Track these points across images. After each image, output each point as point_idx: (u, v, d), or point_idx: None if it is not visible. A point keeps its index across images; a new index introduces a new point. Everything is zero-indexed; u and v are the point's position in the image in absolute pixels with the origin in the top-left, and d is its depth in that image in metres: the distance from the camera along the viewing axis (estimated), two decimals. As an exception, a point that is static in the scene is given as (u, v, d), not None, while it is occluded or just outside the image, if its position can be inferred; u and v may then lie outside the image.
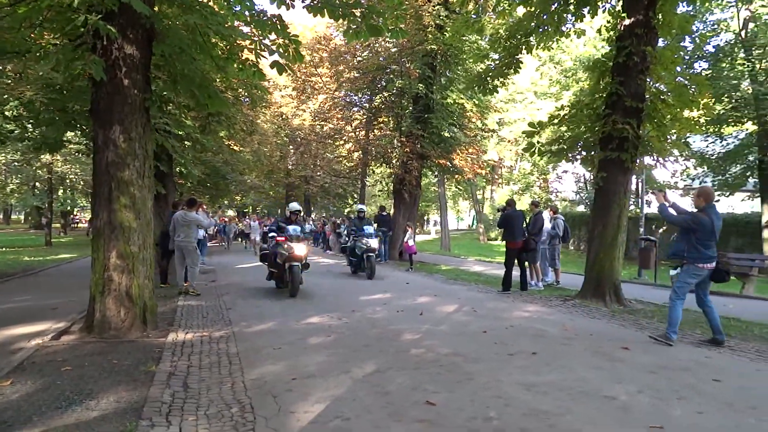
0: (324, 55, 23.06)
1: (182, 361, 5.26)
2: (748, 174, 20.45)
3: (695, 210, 6.43)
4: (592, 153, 10.09)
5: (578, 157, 10.58)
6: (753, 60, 18.79)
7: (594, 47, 26.87)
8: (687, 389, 4.47)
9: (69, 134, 14.64)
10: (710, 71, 19.46)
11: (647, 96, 9.52)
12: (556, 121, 10.42)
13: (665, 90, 9.62)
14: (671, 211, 6.67)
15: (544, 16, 10.57)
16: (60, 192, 35.41)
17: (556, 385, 4.53)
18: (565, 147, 10.38)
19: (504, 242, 11.06)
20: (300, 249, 9.76)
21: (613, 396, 4.26)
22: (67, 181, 31.29)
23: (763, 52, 18.92)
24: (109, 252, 6.24)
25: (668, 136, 9.92)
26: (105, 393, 4.29)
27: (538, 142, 10.43)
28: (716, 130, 19.90)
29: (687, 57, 18.90)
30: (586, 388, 4.45)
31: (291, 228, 10.07)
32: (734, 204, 23.33)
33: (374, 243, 13.36)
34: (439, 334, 6.67)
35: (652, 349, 6.06)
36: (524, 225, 10.92)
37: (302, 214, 14.48)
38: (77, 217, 56.29)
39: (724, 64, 19.43)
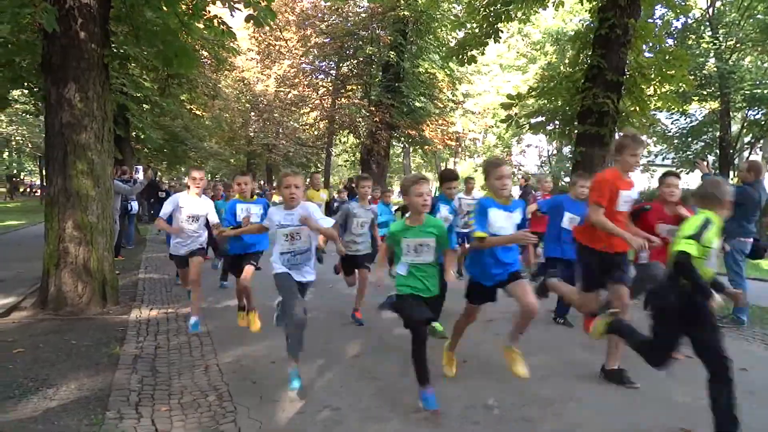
0: (291, 19, 22.08)
1: (148, 342, 4.85)
2: (707, 151, 20.75)
3: (743, 184, 6.27)
4: (569, 127, 9.90)
5: (556, 130, 10.39)
6: (718, 38, 18.90)
7: (562, 20, 26.61)
8: (682, 370, 4.30)
9: (15, 93, 13.48)
10: (676, 48, 19.49)
11: (627, 70, 9.35)
12: (534, 93, 10.20)
13: (645, 64, 9.44)
14: None
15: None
16: (5, 155, 33.43)
17: (552, 368, 4.33)
18: (545, 120, 10.17)
19: None
20: None
21: (613, 380, 4.07)
22: (13, 143, 29.45)
23: (728, 30, 19.03)
24: (64, 222, 5.74)
25: (647, 112, 9.81)
26: (64, 379, 3.88)
27: (516, 114, 10.18)
28: (681, 107, 20.06)
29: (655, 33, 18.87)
30: (585, 371, 4.26)
31: None
32: (695, 180, 23.69)
33: None
34: (420, 311, 6.39)
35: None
36: None
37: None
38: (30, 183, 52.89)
39: (690, 42, 19.48)
